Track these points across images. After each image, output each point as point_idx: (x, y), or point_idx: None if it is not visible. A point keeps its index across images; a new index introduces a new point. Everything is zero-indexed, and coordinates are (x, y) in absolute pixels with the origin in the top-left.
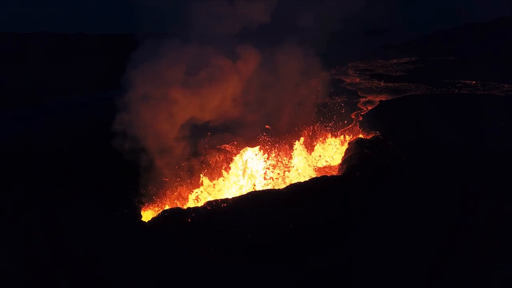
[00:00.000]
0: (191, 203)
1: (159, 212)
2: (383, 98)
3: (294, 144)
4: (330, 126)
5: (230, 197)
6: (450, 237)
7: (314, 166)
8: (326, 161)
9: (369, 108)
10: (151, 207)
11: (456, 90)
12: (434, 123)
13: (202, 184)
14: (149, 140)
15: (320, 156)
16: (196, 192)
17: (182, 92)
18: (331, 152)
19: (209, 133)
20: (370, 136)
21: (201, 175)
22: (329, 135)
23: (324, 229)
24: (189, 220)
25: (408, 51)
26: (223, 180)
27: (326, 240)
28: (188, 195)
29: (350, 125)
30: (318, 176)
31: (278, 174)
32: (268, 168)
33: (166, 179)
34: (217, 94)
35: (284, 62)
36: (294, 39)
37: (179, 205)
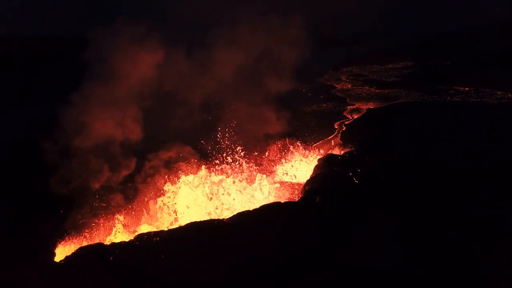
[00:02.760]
0: (123, 236)
1: (76, 249)
2: (371, 105)
3: (260, 159)
4: (309, 137)
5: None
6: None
7: (280, 186)
8: (294, 178)
9: (355, 116)
10: (75, 241)
11: (449, 97)
12: (421, 134)
13: (147, 210)
14: (83, 155)
15: (285, 173)
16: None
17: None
18: (305, 167)
19: (158, 148)
20: (346, 151)
21: (145, 199)
22: (303, 148)
23: (271, 268)
24: (111, 258)
25: (405, 55)
26: (170, 206)
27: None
28: (129, 224)
29: (331, 136)
30: (271, 202)
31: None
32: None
33: (104, 204)
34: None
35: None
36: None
37: (116, 236)
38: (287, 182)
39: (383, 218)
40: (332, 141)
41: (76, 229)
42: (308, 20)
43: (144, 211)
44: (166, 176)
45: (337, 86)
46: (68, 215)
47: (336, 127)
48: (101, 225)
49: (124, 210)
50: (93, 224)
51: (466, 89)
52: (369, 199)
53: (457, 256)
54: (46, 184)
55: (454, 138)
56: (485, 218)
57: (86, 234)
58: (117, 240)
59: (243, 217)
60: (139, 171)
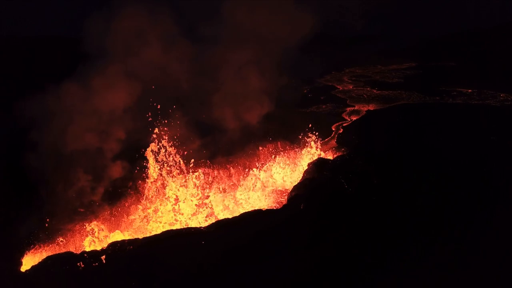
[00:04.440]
0: (98, 244)
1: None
2: (371, 107)
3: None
4: (302, 140)
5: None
6: None
7: (266, 191)
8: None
9: (354, 118)
10: (46, 249)
11: (451, 100)
12: (419, 137)
13: (128, 216)
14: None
15: (273, 178)
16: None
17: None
18: (294, 172)
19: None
20: (338, 154)
21: (126, 204)
22: (294, 151)
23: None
24: (80, 268)
25: (410, 56)
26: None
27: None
28: (107, 231)
29: (327, 139)
30: (251, 210)
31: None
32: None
33: (81, 210)
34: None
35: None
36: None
37: (90, 244)
38: (273, 187)
39: (377, 222)
40: (327, 144)
41: (49, 236)
42: (311, 20)
43: (125, 216)
44: (148, 180)
45: (338, 87)
46: (41, 220)
47: (334, 129)
48: (77, 231)
49: (102, 216)
50: (68, 230)
51: (469, 91)
52: (361, 204)
53: (457, 256)
54: (18, 187)
55: (454, 139)
56: (486, 218)
57: (59, 241)
58: (90, 248)
59: (221, 224)
60: (121, 173)
